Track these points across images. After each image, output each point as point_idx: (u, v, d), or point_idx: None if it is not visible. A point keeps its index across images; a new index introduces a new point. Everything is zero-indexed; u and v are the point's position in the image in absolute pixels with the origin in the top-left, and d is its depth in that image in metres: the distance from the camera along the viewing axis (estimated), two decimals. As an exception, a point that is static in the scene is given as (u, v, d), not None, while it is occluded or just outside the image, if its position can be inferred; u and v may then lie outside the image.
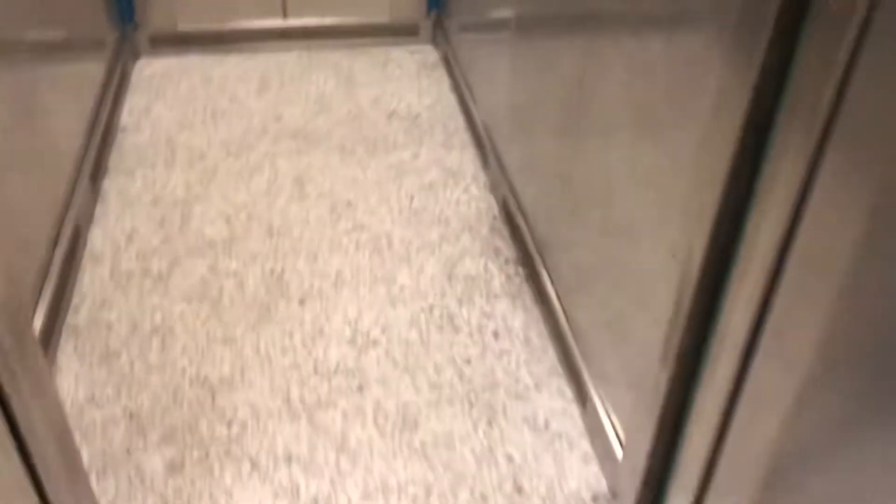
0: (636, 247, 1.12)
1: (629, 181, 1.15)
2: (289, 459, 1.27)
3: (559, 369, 1.44)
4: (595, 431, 1.31)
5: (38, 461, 0.84)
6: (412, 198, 1.86)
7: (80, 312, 1.53)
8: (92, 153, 1.87)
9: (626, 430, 1.20)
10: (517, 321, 1.54)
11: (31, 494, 0.87)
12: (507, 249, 1.71)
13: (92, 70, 2.06)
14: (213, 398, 1.37)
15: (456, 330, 1.52)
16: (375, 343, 1.49)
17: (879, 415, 0.69)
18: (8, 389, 0.77)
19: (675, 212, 0.93)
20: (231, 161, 1.98)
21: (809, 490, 0.81)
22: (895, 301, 0.61)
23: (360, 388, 1.40)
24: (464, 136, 2.10)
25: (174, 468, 1.25)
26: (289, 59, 2.46)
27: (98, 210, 1.80)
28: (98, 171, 1.89)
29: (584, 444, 1.31)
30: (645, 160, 1.09)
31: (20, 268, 1.34)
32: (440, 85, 2.34)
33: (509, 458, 1.28)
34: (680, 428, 1.04)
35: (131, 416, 1.34)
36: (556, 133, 1.50)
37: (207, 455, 1.28)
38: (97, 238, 1.72)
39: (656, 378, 1.01)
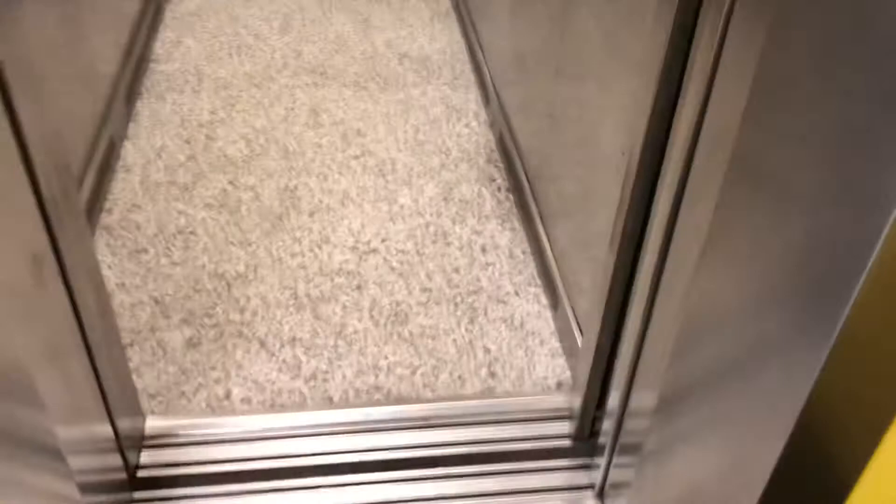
0: (605, 165, 1.27)
1: (600, 109, 1.29)
2: (293, 342, 1.45)
3: (537, 280, 1.60)
4: (564, 332, 1.47)
5: (79, 300, 1.02)
6: (417, 130, 2.01)
7: (112, 214, 1.71)
8: (126, 78, 2.04)
9: (584, 325, 1.36)
10: (504, 239, 1.70)
11: (76, 333, 1.04)
12: (501, 178, 1.87)
13: (129, 5, 2.22)
14: (229, 290, 1.55)
15: (448, 244, 1.68)
16: (375, 251, 1.65)
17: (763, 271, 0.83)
18: (56, 232, 0.94)
19: (626, 117, 1.08)
20: (253, 91, 2.14)
21: (705, 354, 0.96)
22: (773, 166, 0.76)
23: (359, 288, 1.57)
24: (469, 77, 2.24)
25: (192, 344, 1.44)
26: (310, 3, 2.60)
27: (130, 129, 1.97)
28: (132, 94, 2.06)
29: (554, 342, 1.47)
30: (613, 86, 1.23)
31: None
32: (451, 31, 2.47)
33: (486, 350, 1.45)
34: (623, 318, 1.19)
35: (156, 301, 1.52)
36: (546, 75, 1.64)
37: (222, 335, 1.45)
38: (129, 152, 1.89)
39: (605, 265, 1.16)
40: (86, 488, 1.04)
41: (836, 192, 0.70)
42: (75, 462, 1.01)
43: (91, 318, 1.05)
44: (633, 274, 1.14)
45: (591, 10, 1.33)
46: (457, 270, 1.62)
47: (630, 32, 1.13)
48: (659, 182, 0.99)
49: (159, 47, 2.32)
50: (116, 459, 1.19)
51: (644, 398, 1.12)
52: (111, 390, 1.16)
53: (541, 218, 1.65)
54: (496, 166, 1.90)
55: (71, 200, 1.00)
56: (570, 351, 1.44)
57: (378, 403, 1.34)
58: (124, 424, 1.22)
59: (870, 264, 0.67)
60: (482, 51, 2.22)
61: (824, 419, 0.80)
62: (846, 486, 0.85)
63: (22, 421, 0.91)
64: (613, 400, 1.22)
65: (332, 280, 1.58)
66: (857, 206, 0.67)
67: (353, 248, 1.66)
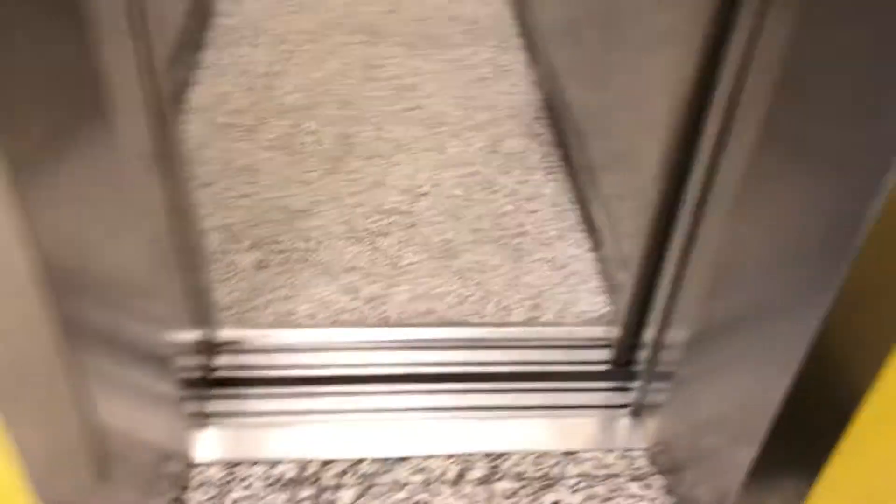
0: (650, 122, 1.36)
1: (648, 68, 1.39)
2: (352, 269, 1.56)
3: (580, 227, 1.70)
4: (605, 272, 1.57)
5: (177, 206, 1.14)
6: (466, 87, 2.11)
7: (183, 150, 1.83)
8: (193, 30, 2.15)
9: (626, 265, 1.46)
10: (548, 189, 1.80)
11: (174, 241, 1.16)
12: (547, 134, 1.96)
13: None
14: (293, 221, 1.66)
15: (495, 191, 1.78)
16: (426, 195, 1.76)
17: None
18: (160, 135, 1.06)
19: (671, 77, 1.17)
20: (311, 45, 2.25)
21: (734, 297, 1.06)
22: (821, 92, 0.85)
23: (413, 226, 1.67)
24: (517, 41, 2.33)
25: (261, 266, 1.55)
26: (364, -33, 2.70)
27: (197, 76, 2.09)
28: (198, 45, 2.17)
29: (595, 282, 1.57)
30: (660, 47, 1.32)
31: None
32: (499, -2, 2.56)
33: (530, 286, 1.55)
34: (662, 261, 1.29)
35: (226, 228, 1.64)
36: (596, 37, 1.74)
37: (288, 260, 1.57)
38: (196, 97, 2.01)
39: (648, 212, 1.25)
40: (181, 385, 1.16)
41: (851, 156, 0.79)
42: (175, 363, 1.13)
43: (183, 222, 1.17)
44: (672, 221, 1.24)
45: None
46: (503, 215, 1.72)
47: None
48: (700, 136, 1.10)
49: (223, 3, 2.43)
50: (200, 361, 1.31)
51: (678, 333, 1.22)
52: (198, 301, 1.28)
53: (585, 170, 1.75)
54: (542, 123, 2.00)
55: (173, 111, 1.11)
56: (610, 289, 1.54)
57: (430, 325, 1.45)
58: (205, 332, 1.34)
59: (869, 222, 0.78)
60: (532, 15, 2.31)
61: (828, 356, 0.91)
62: (847, 413, 0.96)
63: (138, 329, 1.02)
64: (649, 333, 1.32)
65: (387, 218, 1.69)
66: (862, 172, 0.77)
67: (407, 191, 1.76)
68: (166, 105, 1.07)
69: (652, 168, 1.27)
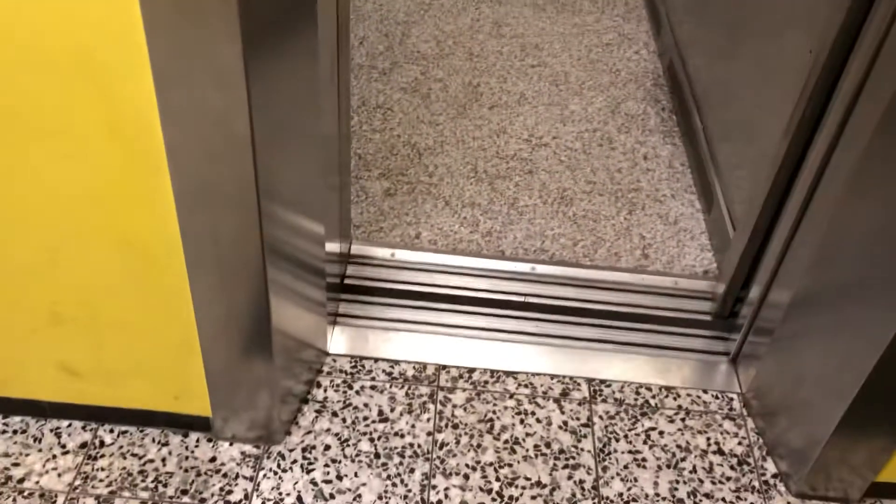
0: (771, 102, 1.41)
1: (774, 46, 1.43)
2: (472, 205, 1.67)
3: (693, 189, 1.75)
4: (714, 232, 1.63)
5: (342, 107, 1.26)
6: (590, 50, 2.18)
7: (323, 85, 1.97)
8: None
9: (737, 226, 1.51)
10: (665, 151, 1.86)
11: (336, 151, 1.29)
12: (666, 101, 2.02)
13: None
14: (420, 157, 1.78)
15: (612, 148, 1.86)
16: (546, 145, 1.85)
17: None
18: (339, 53, 1.18)
19: (811, 26, 1.22)
20: (443, 0, 2.35)
21: (838, 268, 1.11)
22: None
23: (531, 172, 1.77)
24: (641, 11, 2.38)
25: (389, 194, 1.68)
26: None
27: (337, 20, 2.23)
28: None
29: (704, 239, 1.63)
30: (789, 25, 1.36)
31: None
32: (627, -30, 2.61)
33: (642, 237, 1.63)
34: (774, 226, 1.34)
35: (359, 157, 1.77)
36: (724, 10, 1.77)
37: (413, 190, 1.69)
38: (336, 38, 2.15)
39: (768, 175, 1.31)
40: (328, 289, 1.30)
41: None
42: (327, 270, 1.26)
43: (344, 149, 1.30)
44: (788, 192, 1.29)
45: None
46: (619, 171, 1.79)
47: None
48: (824, 118, 1.16)
49: (362, -45, 2.57)
50: (337, 270, 1.45)
51: (782, 294, 1.28)
52: (343, 218, 1.41)
53: (706, 138, 1.80)
54: (662, 90, 2.05)
55: (347, 30, 1.24)
56: (717, 248, 1.60)
57: (543, 262, 1.55)
58: (343, 246, 1.47)
59: None
60: (658, -11, 2.36)
61: None
62: None
63: (306, 243, 1.15)
64: (755, 291, 1.38)
65: (507, 163, 1.79)
66: None
67: (527, 140, 1.86)
68: (344, 37, 1.20)
69: (772, 141, 1.33)
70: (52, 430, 1.20)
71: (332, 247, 1.37)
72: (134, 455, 1.18)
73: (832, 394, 1.13)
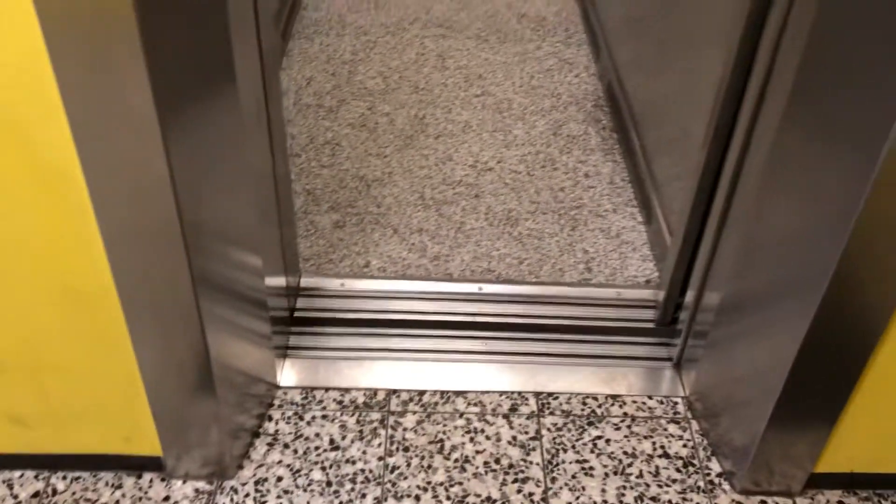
0: (699, 113, 1.47)
1: (695, 64, 1.49)
2: (420, 231, 1.71)
3: (634, 202, 1.81)
4: (654, 242, 1.67)
5: (276, 156, 1.30)
6: (532, 77, 2.25)
7: (272, 126, 2.02)
8: (282, 20, 2.35)
9: (671, 236, 1.56)
10: (606, 168, 1.91)
11: (272, 191, 1.33)
12: (607, 120, 2.08)
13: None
14: (368, 189, 1.82)
15: (555, 169, 1.91)
16: (491, 170, 1.90)
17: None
18: (267, 92, 1.23)
19: (715, 73, 1.28)
20: (388, 38, 2.42)
21: (758, 269, 1.16)
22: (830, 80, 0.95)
23: (477, 196, 1.81)
24: (581, 36, 2.45)
25: (338, 226, 1.72)
26: (440, -31, 2.87)
27: (284, 62, 2.29)
28: (286, 34, 2.38)
29: (645, 250, 1.68)
30: (704, 47, 1.43)
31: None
32: (567, -3, 2.69)
33: (585, 252, 1.67)
34: (702, 233, 1.40)
35: (308, 192, 1.81)
36: (653, 34, 1.85)
37: (362, 221, 1.73)
38: (284, 80, 2.20)
39: (690, 190, 1.36)
40: (272, 323, 1.33)
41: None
42: (269, 304, 1.29)
43: (281, 183, 1.34)
44: (711, 200, 1.34)
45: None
46: (562, 189, 1.84)
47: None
48: (735, 126, 1.21)
49: (308, -2, 2.64)
50: (285, 303, 1.48)
51: (712, 298, 1.33)
52: (286, 251, 1.45)
53: (641, 154, 1.86)
54: (603, 110, 2.12)
55: (276, 70, 1.28)
56: (658, 257, 1.64)
57: (490, 281, 1.59)
58: (290, 279, 1.50)
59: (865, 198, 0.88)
60: (596, 13, 2.44)
61: (830, 327, 1.02)
62: (854, 371, 1.06)
63: (246, 275, 1.19)
64: (689, 297, 1.43)
65: (453, 189, 1.83)
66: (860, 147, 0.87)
67: (472, 166, 1.91)
68: (273, 82, 1.25)
69: (697, 153, 1.38)
70: (3, 482, 1.21)
71: (278, 281, 1.40)
72: (87, 500, 1.20)
73: (762, 390, 1.17)
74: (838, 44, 0.94)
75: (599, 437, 1.31)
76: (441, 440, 1.30)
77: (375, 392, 1.37)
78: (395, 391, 1.37)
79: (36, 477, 1.22)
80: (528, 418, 1.33)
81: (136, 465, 1.23)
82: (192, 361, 1.09)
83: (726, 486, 1.25)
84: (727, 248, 1.27)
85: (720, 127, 1.25)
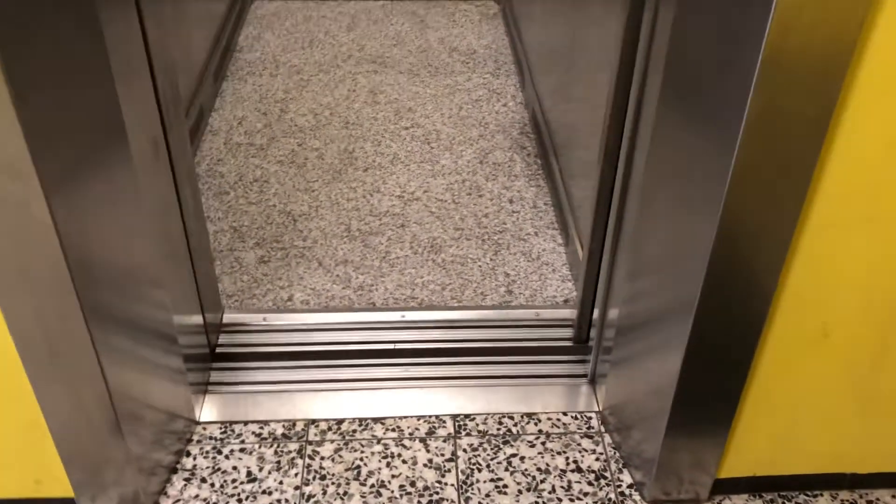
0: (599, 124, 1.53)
1: (598, 93, 1.56)
2: (345, 262, 1.74)
3: (555, 225, 1.85)
4: (573, 262, 1.72)
5: (181, 194, 1.33)
6: (461, 108, 2.30)
7: (200, 165, 2.04)
8: (215, 62, 2.39)
9: (582, 256, 1.61)
10: (530, 193, 1.96)
11: (181, 231, 1.35)
12: (531, 147, 2.13)
13: (217, 6, 2.59)
14: (295, 223, 1.85)
15: (480, 196, 1.95)
16: (417, 199, 1.94)
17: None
18: (167, 128, 1.25)
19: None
20: (321, 76, 2.47)
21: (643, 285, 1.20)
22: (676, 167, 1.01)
23: (402, 226, 1.85)
24: (510, 67, 2.52)
25: (263, 261, 1.74)
26: (375, 7, 2.94)
27: (217, 102, 2.32)
28: (219, 75, 2.41)
29: (564, 271, 1.72)
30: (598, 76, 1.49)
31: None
32: (497, 31, 2.77)
33: (507, 275, 1.71)
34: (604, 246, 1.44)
35: (234, 229, 1.83)
36: (566, 65, 1.92)
37: (287, 255, 1.75)
38: (216, 121, 2.23)
39: (593, 212, 1.41)
40: (187, 360, 1.34)
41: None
42: (182, 341, 1.31)
43: (190, 220, 1.36)
44: (607, 219, 1.39)
45: (588, 17, 1.61)
46: (486, 216, 1.88)
47: (603, 32, 1.40)
48: (620, 145, 1.27)
49: (243, 40, 2.68)
50: (204, 340, 1.49)
51: (613, 314, 1.37)
52: (202, 289, 1.46)
53: (561, 177, 1.91)
54: (528, 137, 2.17)
55: (178, 112, 1.31)
56: (575, 277, 1.68)
57: (411, 308, 1.61)
58: (210, 316, 1.52)
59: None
60: (522, 45, 2.51)
61: (711, 336, 1.04)
62: (735, 387, 1.10)
63: (149, 312, 1.21)
64: (596, 314, 1.47)
65: (380, 220, 1.87)
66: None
67: (399, 197, 1.94)
68: (175, 123, 1.28)
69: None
70: (-88, 532, 1.20)
71: (193, 318, 1.42)
72: (-2, 546, 1.19)
73: (659, 401, 1.20)
74: (686, 73, 1.00)
75: (514, 455, 1.33)
76: (358, 467, 1.31)
77: (294, 423, 1.38)
78: (313, 421, 1.38)
79: (-54, 526, 1.21)
80: (444, 441, 1.35)
81: (49, 508, 1.22)
82: (93, 400, 1.10)
83: (636, 496, 1.28)
84: (622, 264, 1.31)
85: (610, 147, 1.30)
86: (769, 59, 0.83)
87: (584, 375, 1.48)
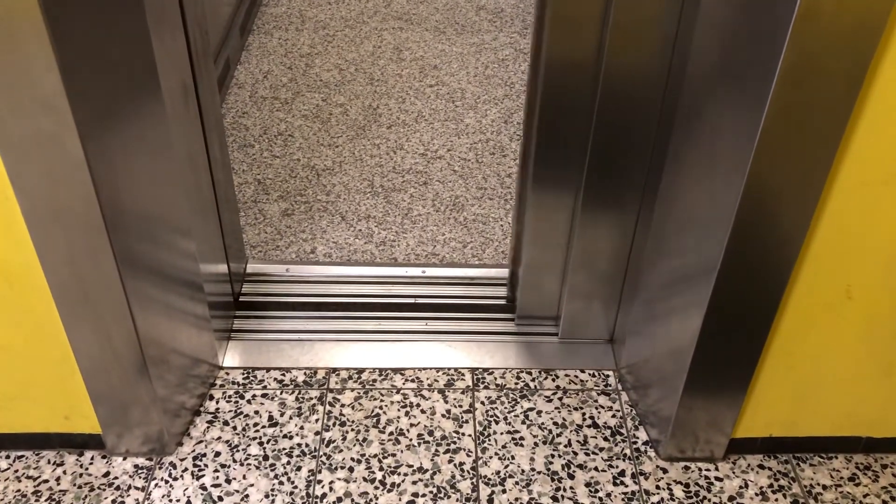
0: None
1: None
2: (368, 217, 1.75)
3: (579, 186, 1.85)
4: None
5: (209, 142, 1.34)
6: (486, 67, 2.29)
7: (226, 118, 2.05)
8: (241, 15, 2.39)
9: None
10: (553, 154, 1.95)
11: (209, 183, 1.36)
12: (556, 108, 2.12)
13: (245, -45, 2.58)
14: (318, 178, 1.86)
15: (504, 156, 1.95)
16: (441, 158, 1.94)
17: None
18: (197, 76, 1.26)
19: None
20: (347, 31, 2.46)
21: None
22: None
23: (425, 183, 1.85)
24: (538, 27, 2.49)
25: (286, 214, 1.75)
26: (402, -36, 2.91)
27: (243, 56, 2.32)
28: (245, 28, 2.41)
29: (587, 232, 1.72)
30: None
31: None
32: (526, -10, 2.73)
33: (528, 234, 1.71)
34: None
35: (259, 182, 1.85)
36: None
37: (310, 209, 1.77)
38: (241, 74, 2.24)
39: None
40: (212, 307, 1.36)
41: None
42: (207, 289, 1.33)
43: (217, 171, 1.37)
44: None
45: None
46: (510, 175, 1.88)
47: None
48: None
49: (269, -5, 2.68)
50: (228, 289, 1.51)
51: (632, 275, 1.36)
52: (228, 239, 1.48)
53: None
54: (553, 98, 2.16)
55: (208, 63, 1.32)
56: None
57: (434, 265, 1.62)
58: (234, 265, 1.54)
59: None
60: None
61: (732, 295, 1.04)
62: (756, 342, 1.09)
63: (178, 260, 1.22)
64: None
65: (402, 176, 1.87)
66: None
67: (423, 154, 1.94)
68: (204, 72, 1.28)
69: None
70: (-53, 461, 1.25)
71: (219, 266, 1.44)
72: (29, 477, 1.23)
73: (678, 360, 1.21)
74: (718, 29, 0.99)
75: (531, 409, 1.35)
76: (377, 415, 1.33)
77: (315, 371, 1.41)
78: (334, 370, 1.41)
79: (-21, 457, 1.26)
80: (462, 392, 1.37)
81: (78, 443, 1.26)
82: (122, 341, 1.12)
83: (651, 453, 1.29)
84: (644, 225, 1.31)
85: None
86: (804, 13, 0.82)
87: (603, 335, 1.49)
